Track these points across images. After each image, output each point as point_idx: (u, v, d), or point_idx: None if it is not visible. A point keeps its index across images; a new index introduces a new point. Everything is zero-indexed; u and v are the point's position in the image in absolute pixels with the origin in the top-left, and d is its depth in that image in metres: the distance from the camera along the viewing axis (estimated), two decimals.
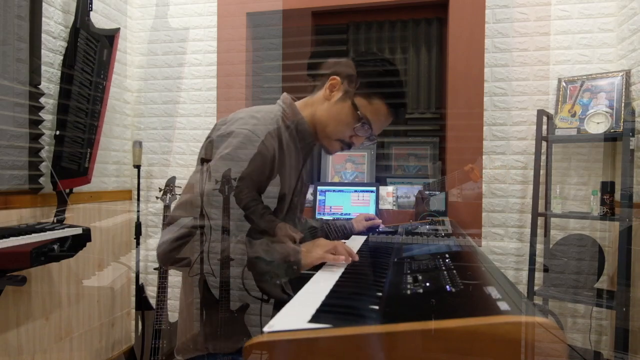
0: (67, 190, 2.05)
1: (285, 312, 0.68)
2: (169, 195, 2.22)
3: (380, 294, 0.74)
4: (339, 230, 1.49)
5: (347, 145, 1.13)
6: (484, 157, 2.21)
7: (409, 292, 0.73)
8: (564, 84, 2.10)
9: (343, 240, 1.46)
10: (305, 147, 1.18)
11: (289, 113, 1.12)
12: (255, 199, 1.06)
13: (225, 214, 1.04)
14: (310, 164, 1.32)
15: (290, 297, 0.75)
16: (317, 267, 0.99)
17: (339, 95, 1.09)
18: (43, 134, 1.94)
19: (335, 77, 1.10)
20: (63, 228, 1.73)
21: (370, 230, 1.52)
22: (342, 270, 0.94)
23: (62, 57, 2.05)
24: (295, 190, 1.19)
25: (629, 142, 1.78)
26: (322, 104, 1.12)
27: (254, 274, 1.00)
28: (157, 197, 2.30)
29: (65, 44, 2.07)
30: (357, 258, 0.99)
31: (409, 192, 2.32)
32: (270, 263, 0.99)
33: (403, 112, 1.15)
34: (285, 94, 1.18)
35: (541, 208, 2.08)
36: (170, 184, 2.24)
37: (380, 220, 1.59)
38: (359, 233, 1.48)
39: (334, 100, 1.10)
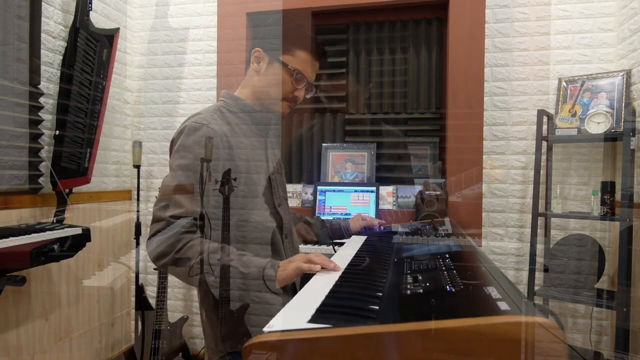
0: (67, 190, 2.05)
1: (285, 312, 0.68)
2: None
3: (380, 294, 0.74)
4: (337, 230, 1.49)
5: (293, 101, 1.23)
6: (484, 157, 2.21)
7: (409, 292, 0.73)
8: (564, 84, 2.09)
9: (338, 240, 1.47)
10: (261, 127, 1.25)
11: (229, 101, 1.23)
12: (188, 230, 1.06)
13: (225, 214, 1.04)
14: (278, 148, 1.37)
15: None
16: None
17: (267, 62, 1.21)
18: (43, 133, 1.94)
19: (256, 49, 1.22)
20: (63, 228, 1.73)
21: (366, 230, 1.52)
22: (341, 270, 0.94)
23: (61, 57, 2.05)
24: (268, 169, 1.24)
25: (630, 142, 1.78)
26: (256, 76, 1.23)
27: (223, 281, 1.02)
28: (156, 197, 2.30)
29: (64, 44, 2.07)
30: (337, 268, 0.95)
31: (409, 192, 2.32)
32: (243, 274, 1.01)
33: (322, 50, 1.27)
34: (224, 90, 1.29)
35: (541, 208, 2.08)
36: None
37: (377, 221, 1.58)
38: (356, 233, 1.48)
39: (263, 68, 1.22)
